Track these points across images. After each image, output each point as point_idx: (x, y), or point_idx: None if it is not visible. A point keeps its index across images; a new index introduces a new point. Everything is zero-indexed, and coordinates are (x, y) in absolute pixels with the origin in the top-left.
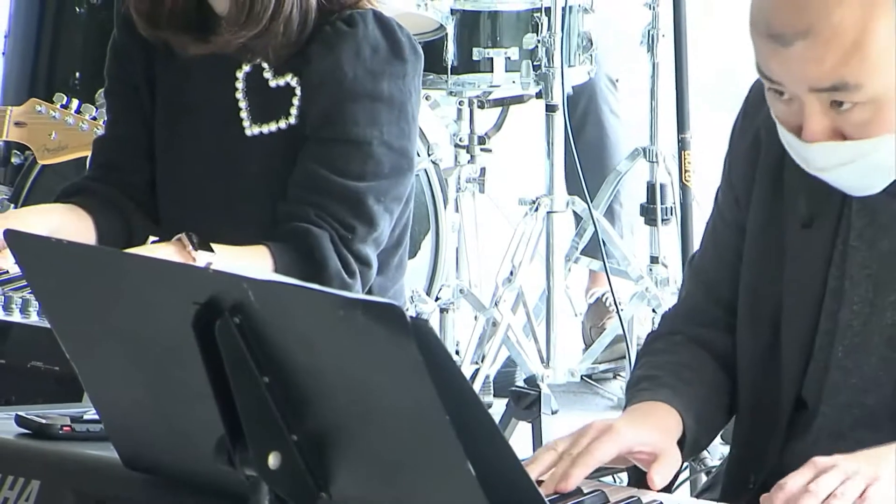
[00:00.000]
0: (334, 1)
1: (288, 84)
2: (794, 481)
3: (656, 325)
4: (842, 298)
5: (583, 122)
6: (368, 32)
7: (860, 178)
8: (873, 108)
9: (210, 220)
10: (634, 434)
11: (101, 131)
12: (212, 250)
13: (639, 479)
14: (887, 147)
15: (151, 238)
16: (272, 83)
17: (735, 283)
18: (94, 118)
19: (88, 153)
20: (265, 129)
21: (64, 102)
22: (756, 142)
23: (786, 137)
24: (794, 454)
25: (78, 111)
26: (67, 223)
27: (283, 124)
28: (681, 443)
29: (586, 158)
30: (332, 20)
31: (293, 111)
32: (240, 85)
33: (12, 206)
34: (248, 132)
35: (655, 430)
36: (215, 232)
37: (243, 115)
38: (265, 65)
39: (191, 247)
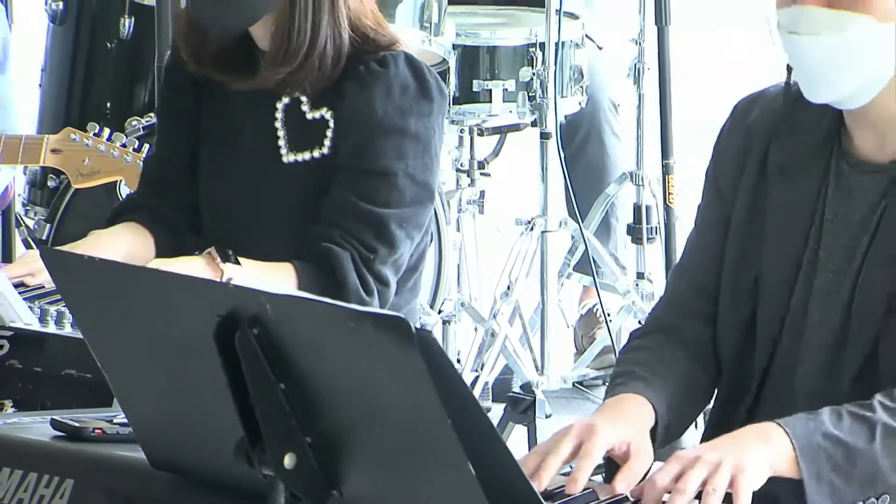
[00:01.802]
0: (370, 42)
1: (323, 117)
2: (660, 477)
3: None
4: (816, 267)
5: (585, 141)
6: (399, 73)
7: (829, 56)
8: None
9: (247, 237)
10: (615, 431)
11: (129, 157)
12: (239, 263)
13: (614, 473)
14: (865, 28)
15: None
16: (309, 115)
17: (716, 275)
18: (124, 145)
19: (118, 178)
20: (300, 157)
21: (96, 131)
22: (748, 136)
23: (782, 15)
24: (765, 417)
25: (109, 139)
26: (135, 245)
27: (317, 153)
28: (654, 430)
29: (587, 176)
30: (366, 60)
31: (327, 142)
32: (279, 115)
33: (48, 225)
34: (284, 159)
35: (629, 425)
36: (251, 246)
37: (281, 143)
38: (303, 98)
39: (219, 259)
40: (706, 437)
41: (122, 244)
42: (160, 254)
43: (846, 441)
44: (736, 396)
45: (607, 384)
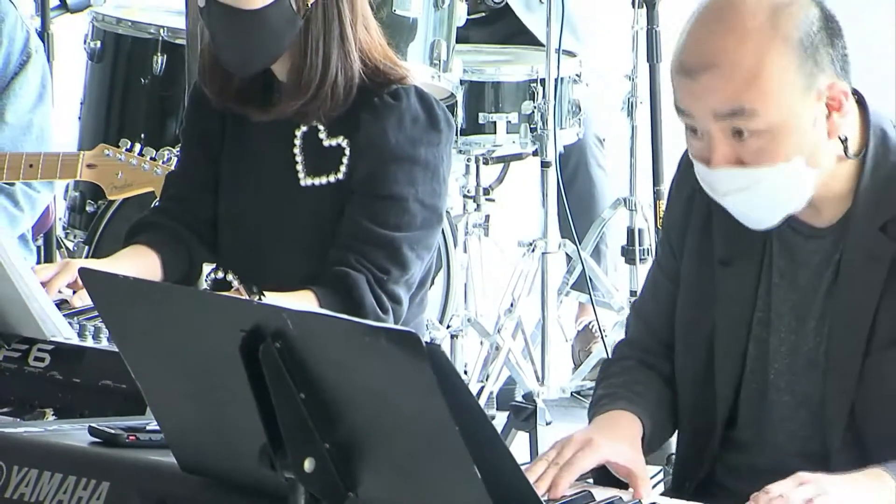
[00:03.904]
0: (381, 74)
1: (339, 144)
2: (776, 487)
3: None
4: (769, 328)
5: (574, 174)
6: (410, 105)
7: (752, 205)
8: (769, 137)
9: (265, 254)
10: (611, 447)
11: (159, 170)
12: (264, 296)
13: (603, 479)
14: (777, 176)
15: (207, 267)
16: (325, 143)
17: (670, 323)
18: (154, 158)
19: (150, 189)
20: (317, 181)
21: (128, 147)
22: (692, 193)
23: (698, 170)
24: (732, 464)
25: (140, 153)
26: (136, 267)
27: (332, 178)
28: (642, 440)
29: (577, 205)
30: (380, 93)
31: (342, 168)
32: (297, 142)
33: (87, 247)
34: (302, 183)
35: (626, 440)
36: (268, 263)
37: (299, 168)
38: (320, 126)
39: (245, 295)
40: (679, 470)
41: (123, 263)
42: (168, 272)
43: None
44: (702, 440)
45: (591, 405)
